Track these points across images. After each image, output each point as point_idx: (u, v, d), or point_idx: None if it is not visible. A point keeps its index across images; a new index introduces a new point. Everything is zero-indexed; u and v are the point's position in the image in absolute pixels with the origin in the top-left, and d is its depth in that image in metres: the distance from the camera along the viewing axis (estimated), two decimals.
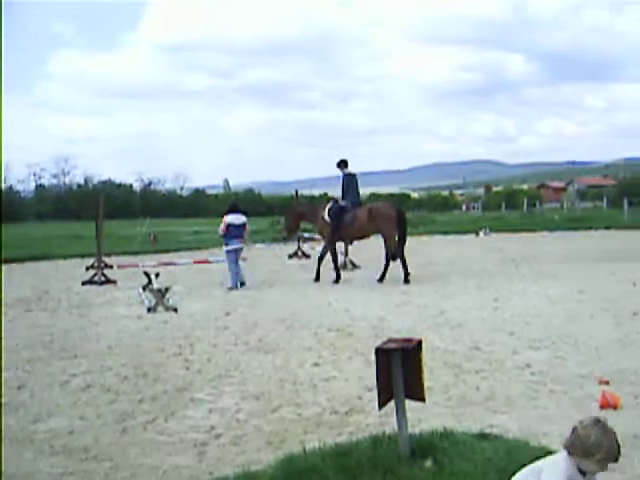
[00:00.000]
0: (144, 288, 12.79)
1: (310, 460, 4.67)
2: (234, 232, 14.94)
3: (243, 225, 15.10)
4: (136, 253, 22.27)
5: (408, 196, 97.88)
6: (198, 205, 75.84)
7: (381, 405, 4.50)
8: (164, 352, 8.78)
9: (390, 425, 5.46)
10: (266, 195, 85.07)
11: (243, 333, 9.83)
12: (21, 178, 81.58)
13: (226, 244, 14.97)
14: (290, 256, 22.19)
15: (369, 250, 23.29)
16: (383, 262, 15.36)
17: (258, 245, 28.15)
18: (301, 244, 22.79)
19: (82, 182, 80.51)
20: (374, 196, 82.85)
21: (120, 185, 79.08)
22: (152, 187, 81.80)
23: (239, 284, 14.76)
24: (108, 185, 75.51)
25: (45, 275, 17.89)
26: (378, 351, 4.39)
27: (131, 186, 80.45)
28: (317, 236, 23.97)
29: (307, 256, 22.08)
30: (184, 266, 19.76)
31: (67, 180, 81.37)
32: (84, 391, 7.12)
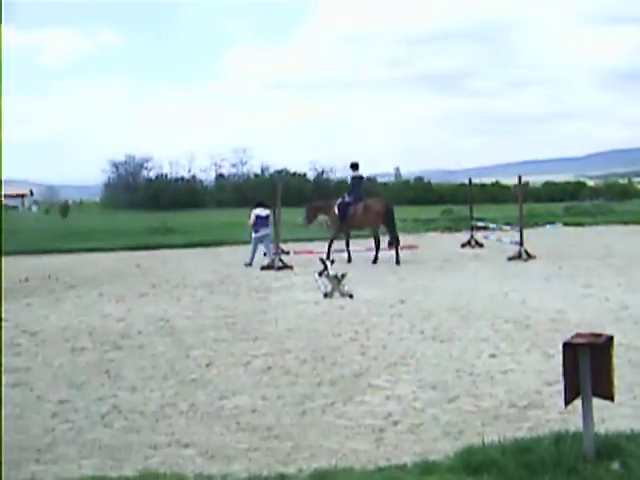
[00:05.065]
0: (320, 274, 13.10)
1: (490, 453, 4.60)
2: (261, 222, 18.25)
3: (267, 217, 18.34)
4: (311, 240, 22.81)
5: (584, 184, 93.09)
6: (369, 193, 76.32)
7: (567, 402, 4.35)
8: (341, 337, 8.97)
9: (571, 422, 5.27)
10: (436, 183, 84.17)
11: (418, 321, 9.84)
12: (203, 168, 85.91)
13: (256, 231, 18.20)
14: (463, 245, 21.89)
15: (545, 240, 22.52)
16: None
17: (431, 234, 27.99)
18: (474, 232, 22.41)
19: (259, 171, 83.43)
20: (549, 184, 79.70)
21: (295, 174, 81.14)
22: (325, 176, 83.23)
23: (250, 262, 17.69)
24: (284, 174, 77.72)
25: (226, 260, 18.79)
26: (565, 346, 4.24)
27: (305, 175, 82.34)
28: (492, 225, 23.56)
29: (480, 245, 21.67)
30: (357, 253, 20.00)
31: (245, 169, 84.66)
32: (265, 372, 7.42)
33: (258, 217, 18.33)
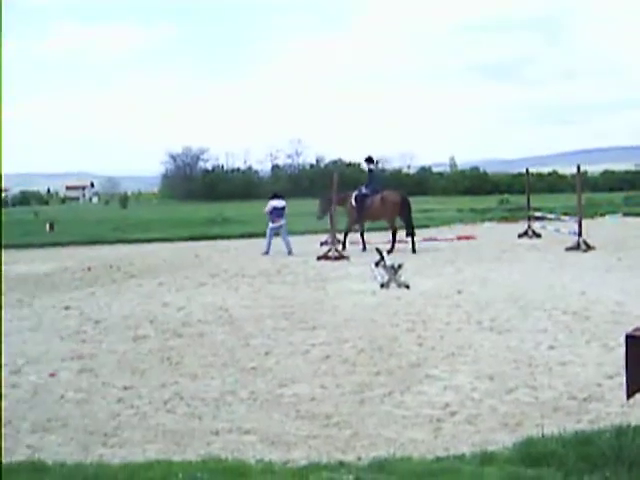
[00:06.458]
0: (377, 264, 13.13)
1: (549, 445, 4.56)
2: (277, 213, 19.07)
3: (283, 208, 19.28)
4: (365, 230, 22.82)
5: None
6: (424, 183, 76.01)
7: (629, 395, 4.29)
8: (398, 327, 8.99)
9: (633, 416, 5.24)
10: (492, 173, 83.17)
11: (475, 312, 9.80)
12: (259, 159, 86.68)
13: (272, 221, 19.05)
14: (520, 235, 21.63)
15: (603, 231, 22.09)
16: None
17: (487, 224, 27.73)
18: (531, 223, 22.12)
19: (314, 162, 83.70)
20: (607, 173, 77.74)
21: (350, 164, 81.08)
22: (380, 165, 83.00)
23: (270, 251, 18.60)
24: (338, 164, 77.75)
25: (282, 249, 18.94)
26: (628, 338, 4.18)
27: (359, 165, 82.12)
28: (549, 215, 23.22)
29: (538, 235, 21.39)
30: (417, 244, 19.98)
31: (300, 160, 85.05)
32: (323, 361, 7.50)
33: (275, 208, 19.16)
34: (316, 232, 22.45)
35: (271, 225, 19.11)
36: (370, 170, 19.95)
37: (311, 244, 19.98)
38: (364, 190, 19.04)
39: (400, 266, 12.36)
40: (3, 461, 4.77)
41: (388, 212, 18.64)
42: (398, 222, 18.98)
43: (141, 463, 4.69)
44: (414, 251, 17.78)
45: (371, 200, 18.66)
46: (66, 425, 5.76)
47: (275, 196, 19.86)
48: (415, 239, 18.33)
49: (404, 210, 18.60)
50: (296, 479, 4.23)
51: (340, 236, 18.65)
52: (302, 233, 23.41)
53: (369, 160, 20.09)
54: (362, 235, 19.14)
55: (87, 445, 5.30)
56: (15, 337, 9.11)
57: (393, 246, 18.05)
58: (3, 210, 45.05)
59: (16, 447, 5.27)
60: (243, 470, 4.45)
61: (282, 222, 19.13)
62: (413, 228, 18.60)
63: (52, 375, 7.24)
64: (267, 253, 18.53)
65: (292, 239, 19.32)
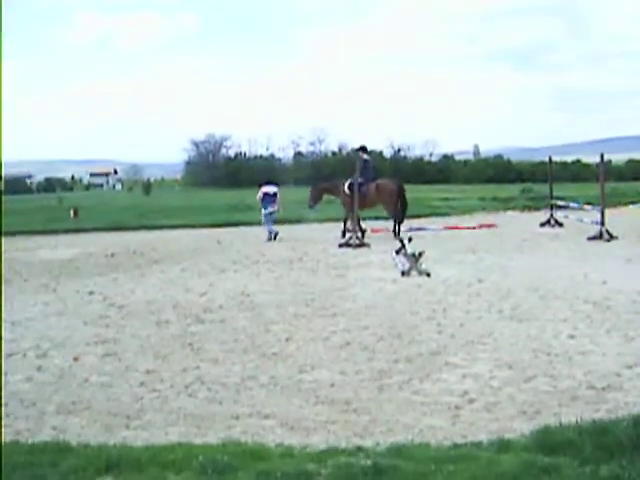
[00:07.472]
0: (398, 252, 13.12)
1: (566, 434, 4.59)
2: (269, 199, 19.30)
3: (275, 194, 19.47)
4: (387, 218, 22.78)
5: None
6: (447, 171, 75.53)
7: None
8: (418, 315, 9.03)
9: None
10: (515, 161, 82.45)
11: (496, 300, 9.79)
12: (282, 146, 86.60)
13: (264, 207, 19.28)
14: (542, 224, 21.48)
15: (627, 220, 21.87)
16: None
17: (509, 213, 27.57)
18: (554, 212, 21.95)
19: (336, 149, 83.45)
20: (632, 162, 76.68)
21: (371, 152, 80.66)
22: (402, 153, 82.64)
23: (273, 236, 18.78)
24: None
25: (304, 237, 19.00)
26: None
27: (381, 153, 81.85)
28: (572, 204, 23.02)
29: (560, 224, 21.23)
30: (435, 232, 19.98)
31: (322, 147, 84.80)
32: (343, 348, 7.56)
33: (266, 194, 19.38)
34: (337, 220, 22.44)
35: (264, 212, 19.32)
36: (364, 160, 19.80)
37: (332, 232, 19.99)
38: (358, 179, 18.96)
39: (421, 254, 12.36)
40: (29, 441, 4.90)
41: (386, 200, 18.96)
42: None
43: (163, 445, 4.79)
44: (396, 236, 17.71)
45: (366, 188, 18.78)
46: (90, 407, 5.88)
47: (267, 182, 20.10)
48: (401, 227, 18.62)
49: (400, 197, 18.89)
50: (314, 463, 4.29)
51: (362, 224, 18.68)
52: (322, 221, 23.45)
53: (363, 149, 20.25)
54: (345, 222, 19.10)
55: (110, 427, 5.42)
56: (40, 322, 9.27)
57: (399, 230, 18.37)
58: (28, 197, 45.53)
59: (41, 428, 5.41)
60: (262, 454, 4.53)
61: (275, 208, 19.41)
62: (404, 216, 18.94)
63: (76, 359, 7.38)
64: (275, 238, 18.72)
65: (313, 227, 19.34)
